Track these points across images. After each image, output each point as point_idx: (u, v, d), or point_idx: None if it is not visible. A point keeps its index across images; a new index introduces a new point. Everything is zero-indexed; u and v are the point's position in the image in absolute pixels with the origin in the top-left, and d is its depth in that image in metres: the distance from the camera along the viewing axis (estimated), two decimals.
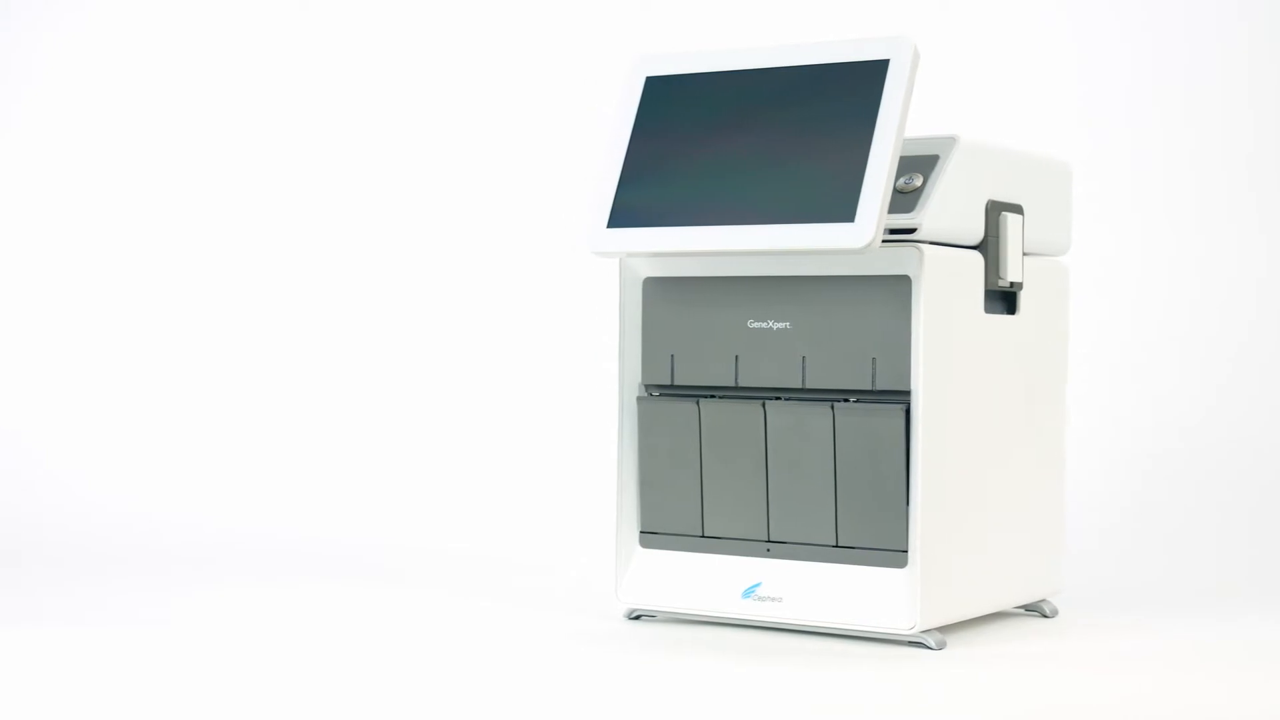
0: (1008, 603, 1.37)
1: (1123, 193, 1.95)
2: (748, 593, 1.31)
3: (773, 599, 1.30)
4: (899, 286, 1.26)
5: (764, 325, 1.31)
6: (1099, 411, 1.88)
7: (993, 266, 1.32)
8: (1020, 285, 1.34)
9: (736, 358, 1.32)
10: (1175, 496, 1.83)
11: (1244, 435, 1.88)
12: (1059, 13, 1.98)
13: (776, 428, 1.30)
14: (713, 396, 1.33)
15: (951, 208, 1.28)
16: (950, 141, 1.29)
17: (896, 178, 1.27)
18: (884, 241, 1.26)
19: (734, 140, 1.28)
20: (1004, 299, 1.35)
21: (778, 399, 1.31)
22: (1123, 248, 1.94)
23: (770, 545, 1.31)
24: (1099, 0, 1.98)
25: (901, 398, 1.26)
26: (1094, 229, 1.84)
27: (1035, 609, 1.41)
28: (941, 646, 1.26)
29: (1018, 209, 1.34)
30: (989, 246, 1.31)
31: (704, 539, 1.34)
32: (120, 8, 2.16)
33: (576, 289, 2.01)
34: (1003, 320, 1.34)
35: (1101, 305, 1.90)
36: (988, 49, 1.98)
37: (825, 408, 1.28)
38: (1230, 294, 1.92)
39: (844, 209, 1.22)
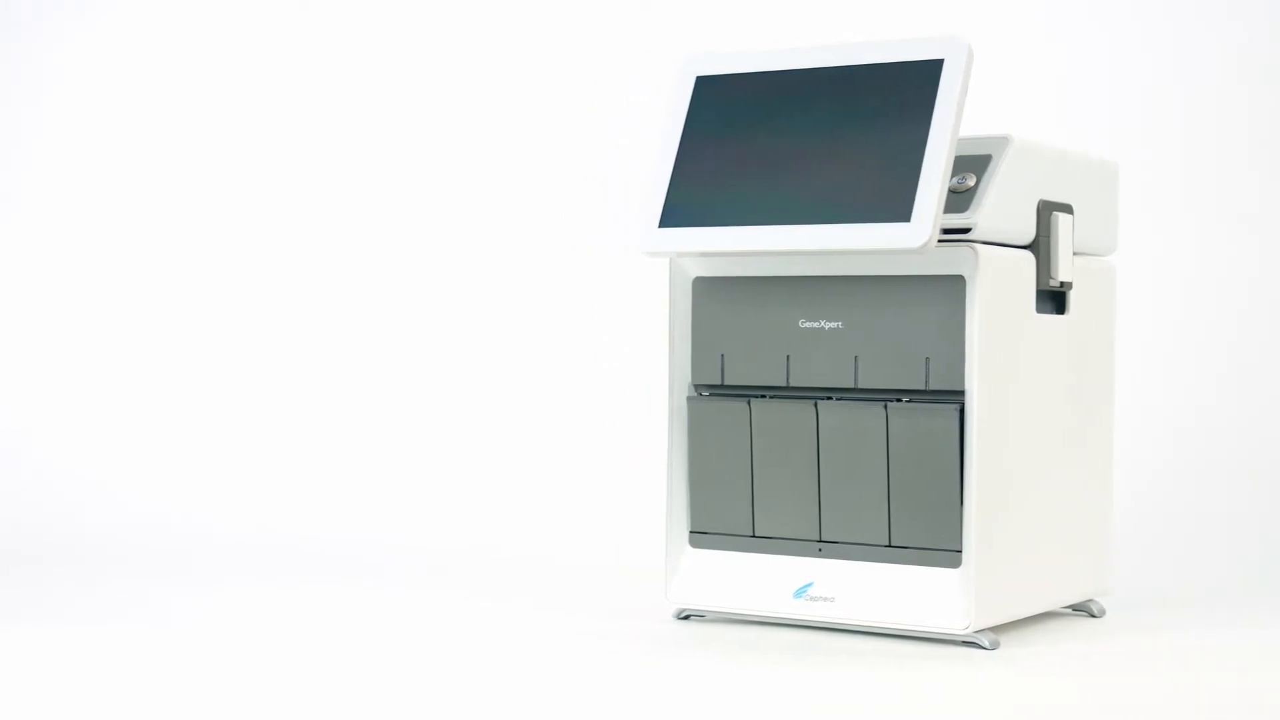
0: (1057, 602, 1.37)
1: (1169, 193, 1.94)
2: (799, 593, 1.31)
3: (825, 599, 1.30)
4: (953, 286, 1.26)
5: (816, 325, 1.31)
6: (1145, 411, 1.87)
7: (1044, 266, 1.32)
8: (1070, 285, 1.34)
9: (788, 357, 1.32)
10: (1222, 497, 1.82)
11: None
12: (1105, 12, 1.98)
13: (829, 428, 1.30)
14: (764, 396, 1.33)
15: (1005, 208, 1.28)
16: (1003, 141, 1.29)
17: (950, 178, 1.27)
18: (939, 241, 1.26)
19: (786, 140, 1.28)
20: (1054, 299, 1.35)
21: (829, 399, 1.31)
22: (1169, 247, 1.93)
23: (822, 545, 1.31)
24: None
25: (955, 398, 1.26)
26: (1138, 228, 1.84)
27: (1083, 609, 1.41)
28: (995, 646, 1.26)
29: (1068, 209, 1.34)
30: (1040, 246, 1.31)
31: (755, 539, 1.34)
32: (123, 9, 2.16)
33: (627, 289, 2.01)
34: (1053, 320, 1.34)
35: (1146, 305, 1.90)
36: (1032, 48, 1.98)
37: (878, 408, 1.28)
38: (1276, 294, 1.92)
39: (899, 209, 1.21)
